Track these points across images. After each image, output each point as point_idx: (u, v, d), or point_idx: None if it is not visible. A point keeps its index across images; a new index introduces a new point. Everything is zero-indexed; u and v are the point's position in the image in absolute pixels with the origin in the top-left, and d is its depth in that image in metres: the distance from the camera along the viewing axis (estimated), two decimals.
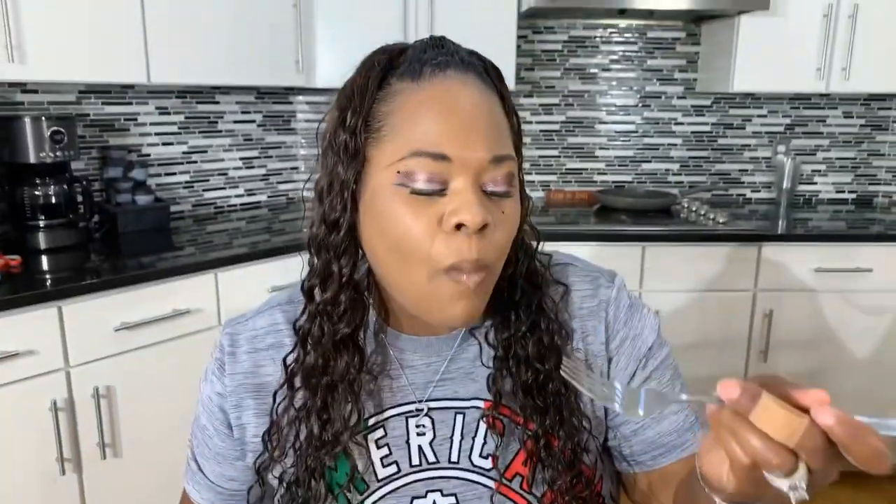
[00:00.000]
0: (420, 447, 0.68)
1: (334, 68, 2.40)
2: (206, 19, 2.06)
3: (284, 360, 0.68)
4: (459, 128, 0.58)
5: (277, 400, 0.69)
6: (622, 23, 2.75)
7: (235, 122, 2.57)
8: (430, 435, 0.68)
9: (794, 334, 2.31)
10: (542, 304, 0.68)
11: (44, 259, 1.86)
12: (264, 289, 1.97)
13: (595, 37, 2.76)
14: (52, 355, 1.58)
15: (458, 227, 0.58)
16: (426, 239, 0.58)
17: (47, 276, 1.74)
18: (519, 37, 2.49)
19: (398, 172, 0.58)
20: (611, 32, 2.76)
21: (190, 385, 1.83)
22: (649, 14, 2.63)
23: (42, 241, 1.91)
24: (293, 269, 2.05)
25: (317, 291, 0.66)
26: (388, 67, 0.62)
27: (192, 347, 1.84)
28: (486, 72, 0.63)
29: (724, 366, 2.32)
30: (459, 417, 0.68)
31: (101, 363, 1.67)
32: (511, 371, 0.67)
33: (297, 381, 0.67)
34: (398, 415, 0.69)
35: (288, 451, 0.68)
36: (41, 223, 1.91)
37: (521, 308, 0.67)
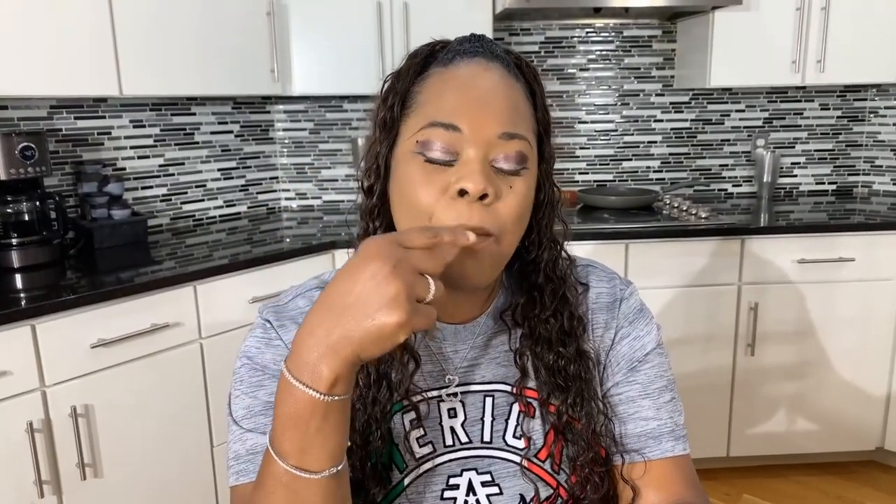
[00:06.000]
0: (452, 428, 0.71)
1: (311, 76, 2.38)
2: (178, 29, 2.04)
3: None
4: (474, 103, 0.64)
5: None
6: (598, 22, 2.75)
7: (212, 132, 2.54)
8: (461, 417, 0.71)
9: (781, 326, 2.31)
10: (566, 294, 0.73)
11: (17, 277, 1.82)
12: (245, 300, 1.94)
13: (572, 37, 2.77)
14: (27, 375, 1.54)
15: (462, 194, 0.62)
16: (432, 203, 0.63)
17: (21, 295, 1.70)
18: (495, 39, 2.48)
19: (417, 142, 0.65)
20: (587, 32, 2.77)
21: (171, 399, 1.81)
22: (625, 12, 2.63)
23: (15, 259, 1.87)
24: (274, 279, 2.02)
25: None
26: (428, 57, 0.70)
27: (173, 362, 1.81)
28: (518, 67, 0.70)
29: (712, 360, 2.32)
30: (489, 400, 0.72)
31: (78, 381, 1.63)
32: (535, 350, 0.71)
33: None
34: (431, 398, 0.72)
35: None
36: (13, 241, 1.87)
37: (546, 293, 0.72)
